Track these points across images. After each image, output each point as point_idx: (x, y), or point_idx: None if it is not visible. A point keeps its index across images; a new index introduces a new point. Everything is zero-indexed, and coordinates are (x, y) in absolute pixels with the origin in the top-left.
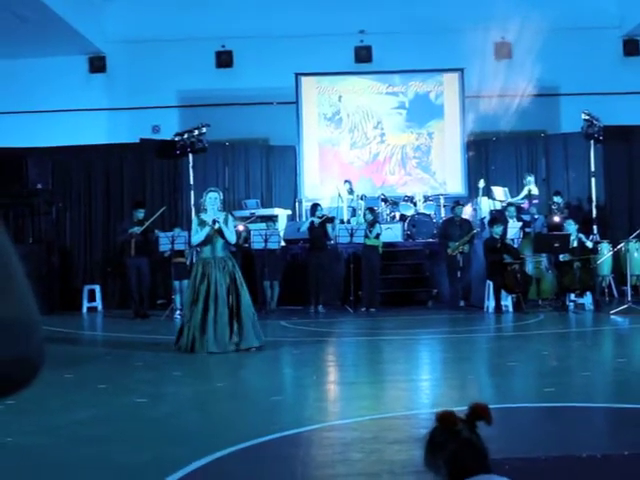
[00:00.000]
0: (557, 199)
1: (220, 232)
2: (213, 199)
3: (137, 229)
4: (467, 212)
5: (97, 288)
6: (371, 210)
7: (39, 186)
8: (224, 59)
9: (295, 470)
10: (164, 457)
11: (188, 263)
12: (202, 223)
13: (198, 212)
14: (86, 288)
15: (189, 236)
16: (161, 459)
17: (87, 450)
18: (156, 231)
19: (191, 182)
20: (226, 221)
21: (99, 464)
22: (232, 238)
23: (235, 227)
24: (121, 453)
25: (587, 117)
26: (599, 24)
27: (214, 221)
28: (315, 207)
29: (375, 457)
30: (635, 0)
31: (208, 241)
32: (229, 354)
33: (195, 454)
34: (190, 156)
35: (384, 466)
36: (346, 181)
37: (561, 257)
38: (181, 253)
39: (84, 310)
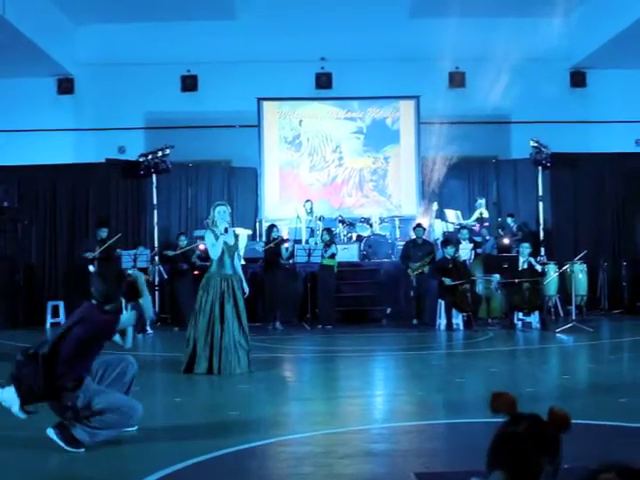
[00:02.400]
0: (510, 221)
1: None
2: (222, 212)
3: (89, 254)
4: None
5: (61, 304)
6: (328, 231)
7: (5, 204)
8: (189, 83)
9: None
10: (119, 472)
11: (151, 279)
12: (216, 236)
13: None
14: (50, 304)
15: (151, 255)
16: (116, 474)
17: (42, 465)
18: (118, 250)
19: (154, 202)
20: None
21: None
22: (214, 253)
23: (196, 245)
24: (77, 469)
25: (536, 144)
26: (548, 56)
27: (226, 229)
28: (271, 228)
29: (325, 471)
30: (582, 35)
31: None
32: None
33: (150, 468)
34: (154, 176)
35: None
36: (307, 200)
37: (447, 281)
38: (144, 270)
39: (47, 325)
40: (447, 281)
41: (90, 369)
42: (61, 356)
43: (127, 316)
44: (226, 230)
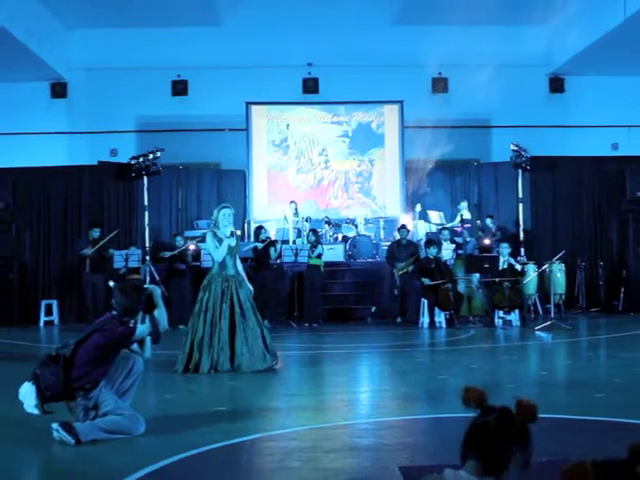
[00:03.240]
0: (489, 222)
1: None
2: (227, 215)
3: (87, 251)
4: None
5: (54, 303)
6: (314, 232)
7: (0, 205)
8: (179, 88)
9: (236, 478)
10: (109, 466)
11: (142, 278)
12: (218, 239)
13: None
14: (43, 303)
15: (143, 254)
16: (106, 469)
17: (31, 460)
18: (110, 250)
19: (145, 203)
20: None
21: (44, 473)
22: (218, 256)
23: (186, 246)
24: (66, 463)
25: (516, 148)
26: (528, 63)
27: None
28: (259, 229)
29: (312, 465)
30: (560, 42)
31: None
32: (172, 367)
33: (141, 462)
34: (145, 178)
35: (320, 474)
36: (291, 202)
37: (426, 281)
38: (136, 270)
39: (41, 324)
40: (426, 281)
41: (107, 374)
42: (79, 360)
43: (142, 328)
44: (232, 234)
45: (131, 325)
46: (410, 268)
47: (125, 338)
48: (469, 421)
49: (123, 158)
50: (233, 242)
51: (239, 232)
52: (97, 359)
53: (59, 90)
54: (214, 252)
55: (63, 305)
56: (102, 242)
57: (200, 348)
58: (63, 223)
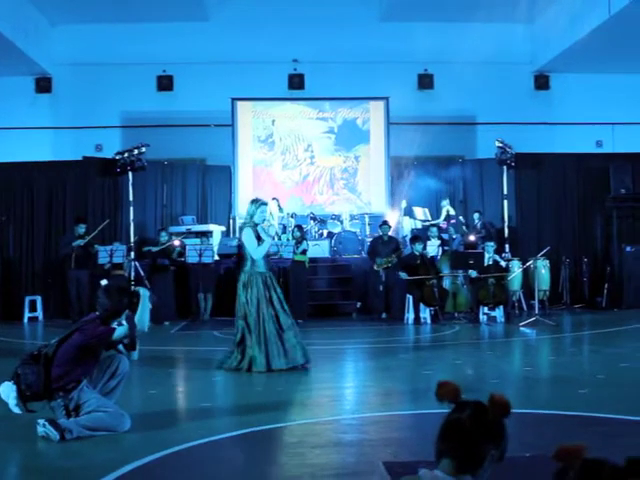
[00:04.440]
0: (476, 217)
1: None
2: (265, 211)
3: (80, 241)
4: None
5: (38, 299)
6: (299, 228)
7: None
8: (165, 83)
9: (220, 473)
10: (94, 462)
11: (127, 275)
12: (257, 235)
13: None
14: (27, 299)
15: (127, 250)
16: (91, 464)
17: (16, 456)
18: (95, 245)
19: (130, 199)
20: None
21: (28, 469)
22: (258, 254)
23: (171, 242)
24: (50, 458)
25: (501, 145)
26: (513, 60)
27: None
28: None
29: (297, 461)
30: (545, 40)
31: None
32: (156, 363)
33: (125, 458)
34: (130, 174)
35: (305, 469)
36: (274, 198)
37: (469, 272)
38: (120, 266)
39: (25, 320)
40: (403, 275)
41: (89, 373)
42: (59, 359)
43: (121, 329)
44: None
45: (114, 325)
46: (391, 264)
47: (104, 338)
48: (442, 417)
49: (108, 153)
50: (271, 240)
51: (220, 226)
52: (77, 358)
53: (44, 85)
54: (254, 250)
55: (47, 301)
56: (94, 233)
57: (256, 345)
58: (47, 219)
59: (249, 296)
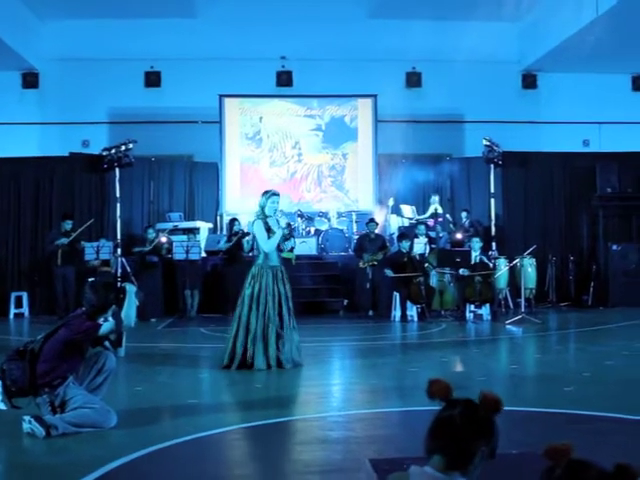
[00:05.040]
0: (464, 216)
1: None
2: (276, 202)
3: (64, 240)
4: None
5: (24, 295)
6: (287, 225)
7: None
8: (152, 79)
9: (208, 469)
10: (80, 458)
11: (113, 271)
12: (267, 227)
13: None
14: (13, 295)
15: (114, 246)
16: (77, 462)
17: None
18: (82, 242)
19: (117, 195)
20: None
21: (14, 466)
22: (269, 247)
23: (159, 239)
24: (35, 455)
25: (488, 143)
26: (501, 59)
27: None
28: (233, 222)
29: (283, 458)
30: (533, 39)
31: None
32: (143, 360)
33: (112, 455)
34: (117, 170)
35: (291, 466)
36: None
37: (461, 271)
38: (106, 262)
39: (11, 316)
40: (388, 273)
41: (75, 369)
42: (45, 355)
43: (107, 325)
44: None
45: (100, 321)
46: (377, 261)
47: (90, 334)
48: (433, 414)
49: (95, 149)
50: (282, 232)
51: (207, 223)
52: (62, 354)
53: (30, 80)
54: (265, 243)
55: (33, 297)
56: (78, 231)
57: (254, 342)
58: (33, 214)
59: (254, 290)
